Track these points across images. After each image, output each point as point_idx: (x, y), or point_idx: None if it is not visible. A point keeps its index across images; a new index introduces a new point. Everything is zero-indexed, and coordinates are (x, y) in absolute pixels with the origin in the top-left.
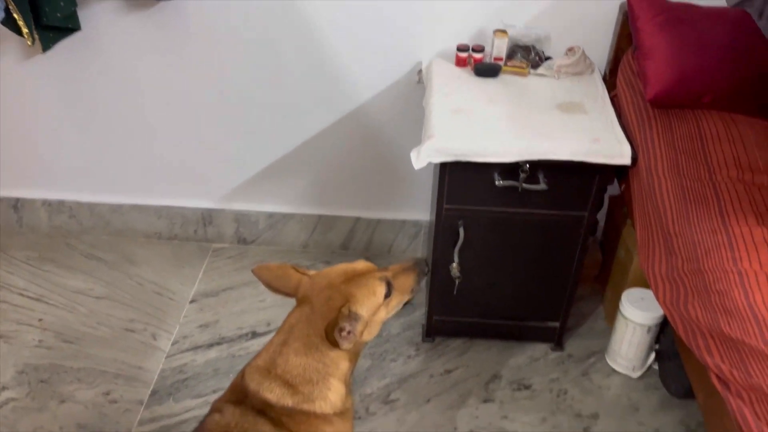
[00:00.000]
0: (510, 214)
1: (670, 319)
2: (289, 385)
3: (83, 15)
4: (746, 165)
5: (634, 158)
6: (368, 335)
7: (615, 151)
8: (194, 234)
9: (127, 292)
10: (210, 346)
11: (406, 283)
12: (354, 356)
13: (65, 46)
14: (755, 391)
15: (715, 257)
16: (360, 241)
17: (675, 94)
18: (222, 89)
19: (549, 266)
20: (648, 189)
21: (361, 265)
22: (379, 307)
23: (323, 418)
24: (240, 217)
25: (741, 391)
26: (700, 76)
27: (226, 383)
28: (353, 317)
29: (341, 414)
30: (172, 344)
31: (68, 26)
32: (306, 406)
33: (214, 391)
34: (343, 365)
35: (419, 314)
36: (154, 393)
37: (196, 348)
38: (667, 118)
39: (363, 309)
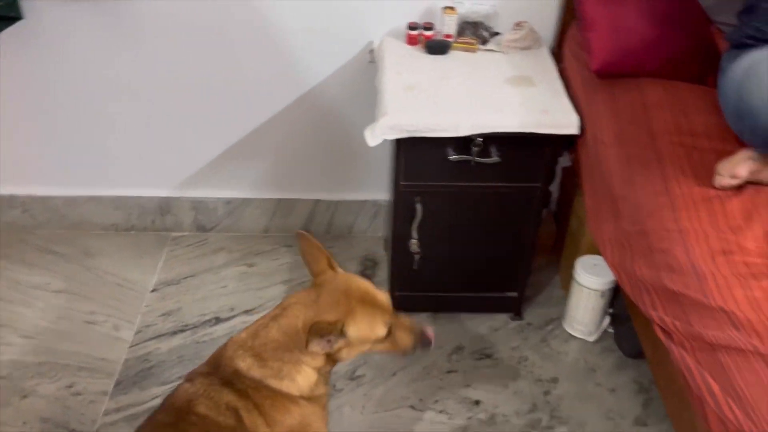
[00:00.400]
0: (465, 188)
1: (618, 278)
2: (261, 358)
3: (26, 3)
4: (686, 129)
5: (582, 128)
6: (344, 356)
7: (563, 121)
8: (152, 224)
9: (86, 284)
10: (174, 333)
11: (404, 339)
12: (330, 360)
13: (8, 36)
14: (696, 340)
15: (657, 217)
16: (320, 223)
17: (618, 64)
18: (173, 76)
19: (505, 238)
20: (594, 157)
21: (382, 297)
22: (367, 342)
23: (289, 397)
24: (198, 205)
25: (683, 340)
26: (642, 46)
27: (191, 369)
28: (342, 334)
29: (309, 399)
30: (135, 334)
31: (10, 15)
32: (273, 382)
33: (180, 378)
34: (318, 360)
35: None
36: (118, 383)
37: (159, 336)
38: (611, 88)
39: (354, 332)
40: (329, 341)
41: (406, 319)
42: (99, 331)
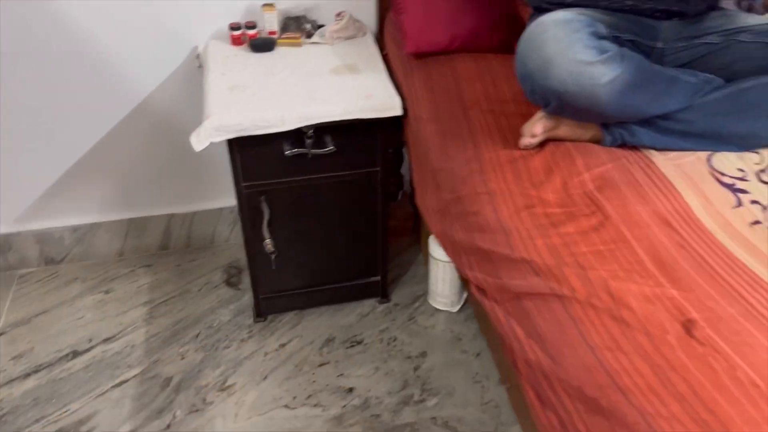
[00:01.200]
0: (308, 181)
1: (442, 245)
2: None
3: None
4: (495, 97)
5: (405, 108)
6: None
7: (387, 104)
8: None
9: None
10: (26, 376)
11: None
12: None
13: None
14: (504, 292)
15: (470, 183)
16: (178, 238)
17: (430, 44)
18: None
19: (359, 224)
20: (417, 134)
21: None
22: None
23: None
24: (42, 237)
25: (494, 294)
26: (450, 24)
27: (49, 410)
28: None
29: None
30: None
31: None
32: None
33: (37, 421)
34: None
35: (248, 298)
36: None
37: (10, 382)
38: (427, 67)
39: None
40: None
41: None
42: None
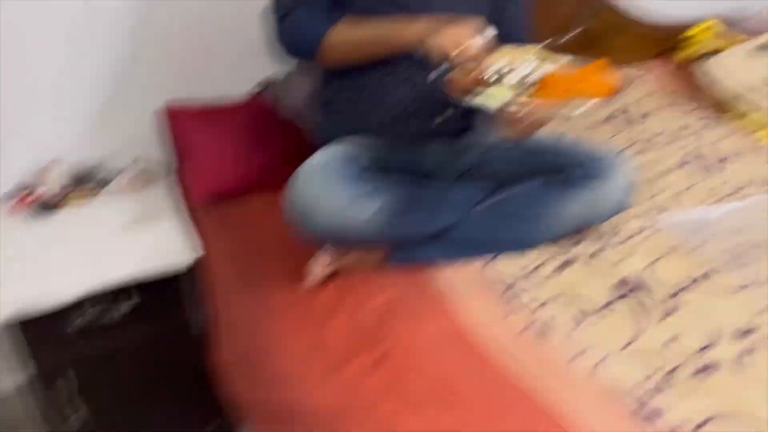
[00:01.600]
0: (117, 344)
1: (235, 406)
2: None
3: None
4: (286, 236)
5: (202, 257)
6: None
7: (178, 257)
8: None
9: None
10: None
11: None
12: None
13: None
14: None
15: (258, 334)
16: None
17: (219, 189)
18: None
19: (182, 375)
20: (211, 282)
21: None
22: None
23: None
24: None
25: None
26: (237, 166)
27: None
28: None
29: None
30: None
31: None
32: None
33: None
34: None
35: None
36: None
37: None
38: (220, 210)
39: None
40: None
41: None
42: None
